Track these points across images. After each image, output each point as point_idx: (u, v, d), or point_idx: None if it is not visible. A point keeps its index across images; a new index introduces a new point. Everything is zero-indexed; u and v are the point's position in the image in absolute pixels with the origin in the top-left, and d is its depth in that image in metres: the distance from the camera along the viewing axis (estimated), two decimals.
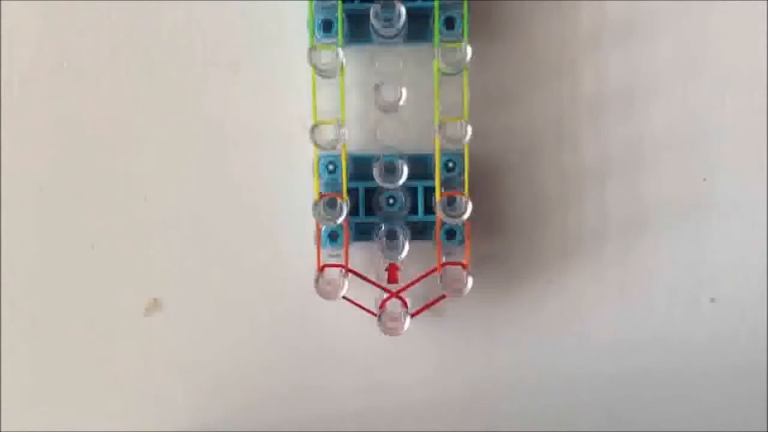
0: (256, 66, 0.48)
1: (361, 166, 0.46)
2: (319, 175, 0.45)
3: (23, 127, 0.48)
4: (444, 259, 0.46)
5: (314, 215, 0.44)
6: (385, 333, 0.45)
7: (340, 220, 0.44)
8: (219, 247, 0.49)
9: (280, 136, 0.48)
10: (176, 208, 0.49)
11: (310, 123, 0.44)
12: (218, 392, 0.50)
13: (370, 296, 0.46)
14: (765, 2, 0.47)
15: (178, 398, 0.50)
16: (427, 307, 0.46)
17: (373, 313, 0.46)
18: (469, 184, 0.45)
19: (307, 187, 0.46)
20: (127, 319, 0.49)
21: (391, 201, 0.46)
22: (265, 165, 0.48)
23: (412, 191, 0.46)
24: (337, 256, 0.46)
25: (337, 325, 0.49)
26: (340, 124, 0.44)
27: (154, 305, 0.49)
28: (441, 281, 0.45)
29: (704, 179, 0.49)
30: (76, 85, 0.48)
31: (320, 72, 0.44)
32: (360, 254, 0.47)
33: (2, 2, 0.47)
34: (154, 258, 0.49)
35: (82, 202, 0.49)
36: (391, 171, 0.44)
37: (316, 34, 0.44)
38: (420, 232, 0.46)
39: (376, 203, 0.46)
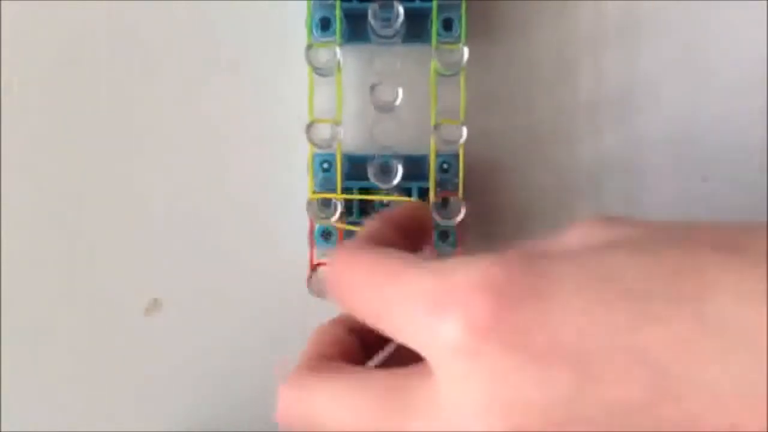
0: (256, 65, 0.48)
1: (356, 166, 0.46)
2: (314, 174, 0.45)
3: (23, 127, 0.48)
4: None
5: (308, 214, 0.44)
6: None
7: (334, 219, 0.44)
8: (219, 247, 0.49)
9: (281, 135, 0.48)
10: (176, 208, 0.49)
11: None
12: (218, 392, 0.50)
13: None
14: (765, 2, 0.47)
15: (177, 398, 0.50)
16: None
17: None
18: (464, 185, 0.45)
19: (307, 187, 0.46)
20: (127, 319, 0.49)
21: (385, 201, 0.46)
22: (266, 165, 0.48)
23: (406, 192, 0.46)
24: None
25: None
26: (336, 123, 0.44)
27: (154, 305, 0.49)
28: None
29: (704, 180, 0.48)
30: (76, 85, 0.48)
31: (317, 70, 0.44)
32: None
33: (2, 2, 0.47)
34: (154, 258, 0.49)
35: (81, 203, 0.49)
36: (386, 171, 0.44)
37: (314, 32, 0.44)
38: None
39: (371, 203, 0.46)
